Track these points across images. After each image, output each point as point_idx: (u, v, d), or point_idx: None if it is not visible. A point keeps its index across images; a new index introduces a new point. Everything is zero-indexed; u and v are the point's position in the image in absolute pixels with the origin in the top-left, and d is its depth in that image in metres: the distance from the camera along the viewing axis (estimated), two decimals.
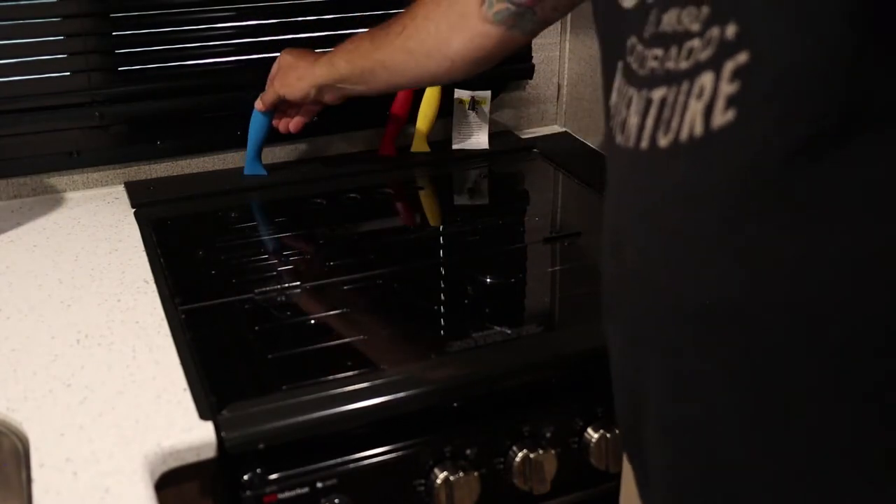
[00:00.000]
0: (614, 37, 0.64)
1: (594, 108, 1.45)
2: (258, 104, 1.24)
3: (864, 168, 0.49)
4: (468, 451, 0.87)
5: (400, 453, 0.85)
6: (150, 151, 1.30)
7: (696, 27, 0.55)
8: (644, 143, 0.59)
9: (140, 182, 1.29)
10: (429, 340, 0.95)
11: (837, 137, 0.49)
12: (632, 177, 0.62)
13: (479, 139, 1.41)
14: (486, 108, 1.40)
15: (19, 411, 0.81)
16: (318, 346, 0.93)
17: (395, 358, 0.90)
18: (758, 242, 0.53)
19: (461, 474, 0.85)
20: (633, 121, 0.60)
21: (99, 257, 1.09)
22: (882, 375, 0.52)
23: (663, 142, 0.57)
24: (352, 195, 1.28)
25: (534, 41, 1.42)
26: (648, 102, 0.59)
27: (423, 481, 0.86)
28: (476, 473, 0.86)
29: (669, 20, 0.57)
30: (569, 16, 1.41)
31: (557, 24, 1.44)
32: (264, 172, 1.29)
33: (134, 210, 1.21)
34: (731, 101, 0.52)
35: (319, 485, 0.82)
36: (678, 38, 0.56)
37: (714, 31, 0.53)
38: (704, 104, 0.54)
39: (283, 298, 1.00)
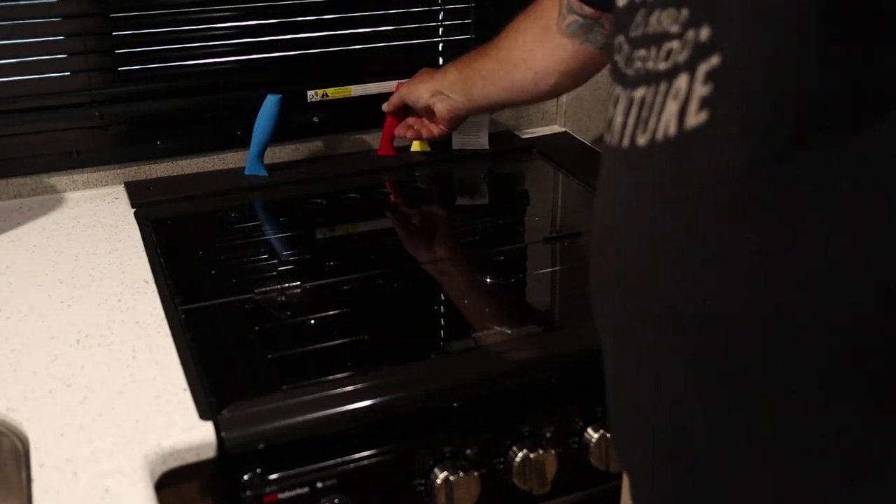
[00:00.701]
0: (615, 36, 0.65)
1: (594, 108, 1.45)
2: (386, 106, 1.31)
3: (829, 172, 0.49)
4: (468, 451, 0.87)
5: (400, 453, 0.85)
6: (150, 151, 1.30)
7: (675, 29, 0.55)
8: (626, 142, 0.60)
9: (140, 182, 1.29)
10: (429, 340, 0.95)
11: (804, 141, 0.49)
12: (615, 175, 0.63)
13: (479, 139, 1.41)
14: None
15: (19, 411, 0.81)
16: (318, 346, 0.93)
17: (395, 358, 0.90)
18: (725, 245, 0.54)
19: (461, 474, 0.85)
20: (618, 120, 0.61)
21: (99, 257, 1.09)
22: (843, 379, 0.52)
23: (641, 140, 0.58)
24: (352, 195, 1.28)
25: None
26: (631, 102, 0.59)
27: (423, 481, 0.86)
28: (476, 473, 0.86)
29: (653, 21, 0.58)
30: None
31: None
32: (265, 173, 1.29)
33: (134, 210, 1.21)
34: (704, 103, 0.53)
35: (319, 485, 0.82)
36: (658, 39, 0.57)
37: (690, 34, 0.54)
38: (680, 104, 0.54)
39: (283, 298, 1.00)
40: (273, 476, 0.81)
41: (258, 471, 0.81)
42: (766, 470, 0.56)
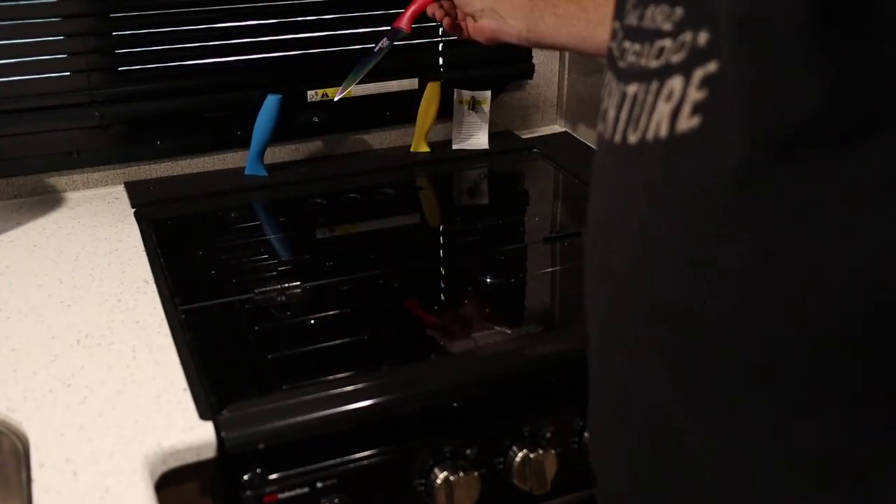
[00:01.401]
0: (613, 19, 0.65)
1: (594, 108, 1.44)
2: (432, 10, 1.18)
3: (820, 183, 0.49)
4: (468, 451, 0.87)
5: (400, 453, 0.85)
6: (150, 151, 1.30)
7: (667, 27, 0.55)
8: (617, 138, 0.60)
9: (140, 182, 1.29)
10: (429, 340, 0.95)
11: (795, 152, 0.49)
12: (607, 170, 0.63)
13: (479, 139, 1.41)
14: (486, 108, 1.40)
15: (19, 411, 0.81)
16: (318, 346, 0.93)
17: (395, 358, 0.90)
18: (712, 251, 0.54)
19: (461, 474, 0.85)
20: (611, 113, 0.61)
21: (99, 257, 1.09)
22: (825, 386, 0.52)
23: (632, 139, 0.58)
24: (352, 195, 1.28)
25: None
26: (623, 96, 0.59)
27: (423, 481, 0.86)
28: (476, 473, 0.86)
29: (646, 16, 0.58)
30: None
31: None
32: (265, 173, 1.29)
33: (134, 210, 1.21)
34: (697, 108, 0.53)
35: (319, 485, 0.82)
36: (650, 35, 0.57)
37: (687, 36, 0.54)
38: (672, 107, 0.54)
39: (283, 298, 1.00)
40: (273, 476, 0.81)
41: (258, 471, 0.81)
42: (747, 470, 0.56)
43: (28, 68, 1.22)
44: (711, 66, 0.52)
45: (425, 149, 1.38)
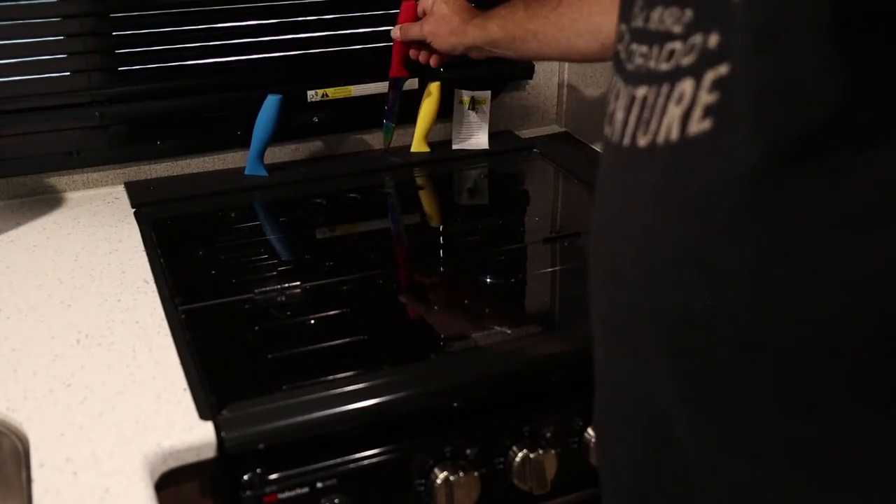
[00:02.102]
0: (618, 21, 0.65)
1: (594, 108, 1.45)
2: (395, 32, 1.23)
3: (832, 189, 0.49)
4: (468, 451, 0.87)
5: (400, 453, 0.85)
6: (150, 151, 1.30)
7: (677, 29, 0.55)
8: (626, 141, 0.59)
9: (140, 182, 1.29)
10: (429, 340, 0.95)
11: (808, 157, 0.49)
12: (614, 173, 0.63)
13: (479, 139, 1.41)
14: (486, 108, 1.40)
15: (19, 411, 0.81)
16: (318, 346, 0.93)
17: (395, 358, 0.90)
18: (718, 254, 0.53)
19: (461, 474, 0.85)
20: (619, 116, 0.61)
21: (99, 257, 1.09)
22: (829, 391, 0.52)
23: (642, 142, 0.58)
24: (352, 195, 1.28)
25: None
26: (632, 99, 0.59)
27: (423, 481, 0.86)
28: (476, 473, 0.86)
29: (654, 18, 0.57)
30: None
31: None
32: (265, 173, 1.29)
33: (134, 210, 1.21)
34: (709, 111, 0.53)
35: (319, 485, 0.82)
36: (660, 37, 0.56)
37: (697, 38, 0.53)
38: (683, 110, 0.54)
39: (283, 298, 1.00)
40: (273, 476, 0.81)
41: (258, 471, 0.80)
42: (750, 472, 0.56)
43: (28, 68, 1.22)
44: (723, 69, 0.52)
45: (425, 149, 1.38)
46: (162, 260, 1.07)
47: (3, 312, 0.97)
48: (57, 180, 1.27)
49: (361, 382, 0.85)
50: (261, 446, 0.80)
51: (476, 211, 1.31)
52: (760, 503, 0.56)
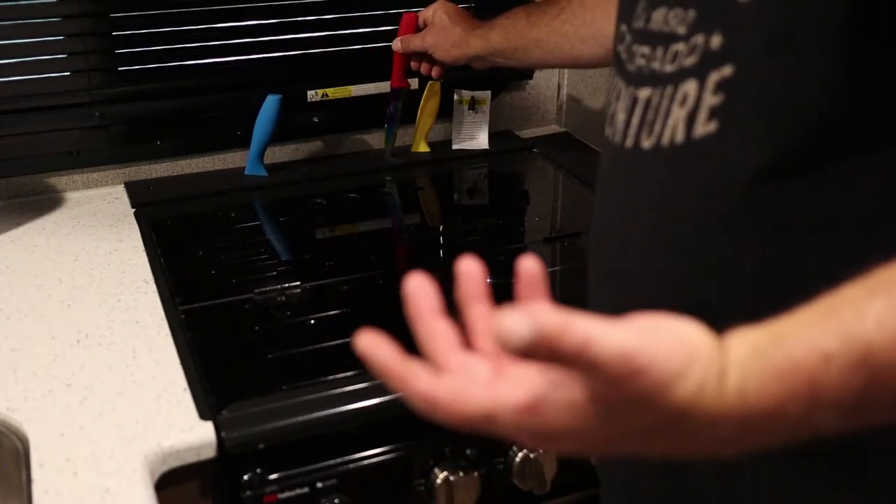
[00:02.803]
0: (617, 22, 0.64)
1: (594, 108, 1.45)
2: (396, 44, 1.23)
3: (837, 191, 0.49)
4: (468, 451, 0.87)
5: (400, 453, 0.85)
6: (150, 151, 1.30)
7: (681, 30, 0.55)
8: (629, 142, 0.59)
9: (140, 182, 1.29)
10: None
11: (814, 159, 0.49)
12: (616, 173, 0.63)
13: (479, 139, 1.41)
14: (486, 108, 1.40)
15: (19, 411, 0.81)
16: (318, 346, 0.93)
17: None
18: (726, 254, 0.53)
19: (461, 474, 0.85)
20: (621, 117, 0.61)
21: (99, 257, 1.09)
22: None
23: (646, 143, 0.57)
24: (352, 195, 1.28)
25: None
26: (634, 101, 0.59)
27: (423, 481, 0.86)
28: (476, 473, 0.86)
29: (657, 18, 0.57)
30: None
31: None
32: (265, 173, 1.29)
33: (134, 210, 1.21)
34: (714, 113, 0.52)
35: (319, 485, 0.82)
36: (664, 38, 0.56)
37: (699, 38, 0.53)
38: (687, 112, 0.54)
39: (283, 298, 1.00)
40: (273, 476, 0.81)
41: (258, 471, 0.80)
42: (749, 469, 0.56)
43: (28, 68, 1.22)
44: (726, 70, 0.52)
45: (425, 149, 1.38)
46: (162, 260, 1.07)
47: (3, 312, 0.97)
48: (57, 180, 1.27)
49: (361, 382, 0.85)
50: (261, 446, 0.80)
51: (476, 211, 1.31)
52: (760, 500, 0.56)
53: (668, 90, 0.55)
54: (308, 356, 0.92)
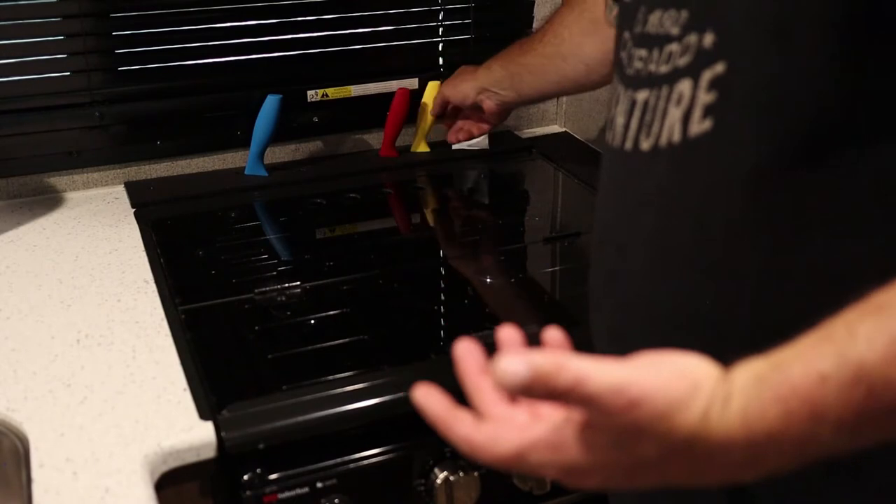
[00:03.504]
0: (619, 30, 0.65)
1: (594, 108, 1.45)
2: (433, 110, 1.32)
3: (836, 186, 0.49)
4: None
5: (400, 453, 0.85)
6: (150, 151, 1.30)
7: (675, 31, 0.55)
8: (628, 145, 0.60)
9: (140, 182, 1.29)
10: (429, 340, 0.95)
11: (811, 155, 0.49)
12: (617, 176, 0.63)
13: (480, 139, 1.41)
14: None
15: (19, 411, 0.81)
16: (318, 346, 0.93)
17: (395, 358, 0.90)
18: (727, 254, 0.53)
19: (461, 474, 0.85)
20: (620, 120, 0.61)
21: (99, 257, 1.09)
22: None
23: (645, 145, 0.58)
24: (352, 195, 1.28)
25: None
26: (633, 103, 0.59)
27: (423, 481, 0.86)
28: (476, 473, 0.86)
29: (653, 21, 0.58)
30: None
31: None
32: (265, 173, 1.29)
33: (134, 210, 1.21)
34: (709, 111, 0.53)
35: (319, 485, 0.82)
36: (659, 40, 0.57)
37: (692, 38, 0.53)
38: (683, 111, 0.54)
39: (283, 298, 1.00)
40: (273, 476, 0.81)
41: (258, 471, 0.81)
42: None
43: (28, 68, 1.22)
44: (719, 68, 0.52)
45: (425, 149, 1.38)
46: (162, 260, 1.07)
47: (3, 312, 0.97)
48: (57, 180, 1.27)
49: (361, 382, 0.85)
50: (261, 446, 0.80)
51: (476, 211, 1.31)
52: (771, 495, 0.56)
53: (664, 91, 0.56)
54: (308, 356, 0.92)
